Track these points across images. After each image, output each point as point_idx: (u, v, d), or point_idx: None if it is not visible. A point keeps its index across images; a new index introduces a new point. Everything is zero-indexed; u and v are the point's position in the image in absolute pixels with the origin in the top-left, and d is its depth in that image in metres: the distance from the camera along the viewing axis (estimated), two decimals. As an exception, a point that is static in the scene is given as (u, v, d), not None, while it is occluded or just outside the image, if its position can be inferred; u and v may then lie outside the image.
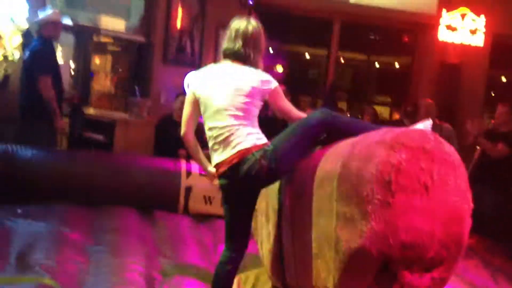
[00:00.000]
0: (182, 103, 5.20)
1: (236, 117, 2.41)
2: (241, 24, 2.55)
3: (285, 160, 2.35)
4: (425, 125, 2.34)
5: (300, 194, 2.36)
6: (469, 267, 3.90)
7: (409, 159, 1.77)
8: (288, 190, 2.52)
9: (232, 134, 2.41)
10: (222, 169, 2.45)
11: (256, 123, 2.48)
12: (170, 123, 5.06)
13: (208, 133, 2.51)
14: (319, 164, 2.22)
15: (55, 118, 4.53)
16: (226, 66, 2.53)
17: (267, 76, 2.49)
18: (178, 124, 5.30)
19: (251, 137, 2.40)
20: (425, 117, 5.30)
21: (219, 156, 2.46)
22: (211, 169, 2.56)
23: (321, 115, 2.38)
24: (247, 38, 2.51)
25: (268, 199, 2.76)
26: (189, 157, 4.87)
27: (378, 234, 1.69)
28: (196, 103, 2.56)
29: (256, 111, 2.47)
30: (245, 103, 2.42)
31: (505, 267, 4.08)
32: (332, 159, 2.13)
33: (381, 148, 1.83)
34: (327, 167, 2.12)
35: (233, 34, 2.53)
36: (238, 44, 2.50)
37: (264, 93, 2.46)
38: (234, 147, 2.39)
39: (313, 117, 2.39)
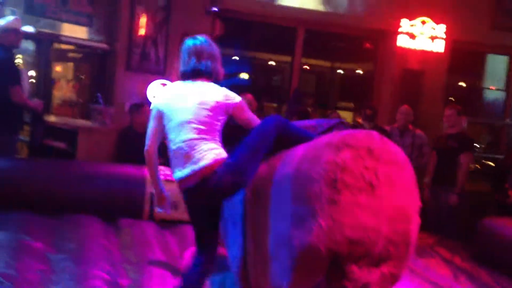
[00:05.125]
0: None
1: (198, 130, 2.46)
2: (189, 44, 2.66)
3: (248, 170, 2.42)
4: None
5: (260, 198, 2.41)
6: (430, 266, 4.00)
7: (353, 158, 1.84)
8: (250, 195, 2.57)
9: (193, 149, 2.45)
10: (185, 186, 2.49)
11: (218, 138, 2.54)
12: (131, 134, 5.10)
13: (169, 146, 2.56)
14: (277, 169, 2.28)
15: (31, 106, 4.54)
16: (191, 83, 2.59)
17: (230, 92, 2.58)
18: (139, 135, 5.29)
19: (211, 152, 2.44)
20: (404, 122, 5.47)
21: (181, 172, 2.49)
22: (164, 193, 2.70)
23: (275, 121, 2.47)
24: (198, 52, 2.61)
25: (235, 206, 2.80)
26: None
27: (325, 231, 1.76)
28: (161, 118, 2.59)
29: (218, 126, 2.53)
30: (208, 116, 2.48)
31: (465, 266, 4.17)
32: (288, 163, 2.20)
33: (328, 149, 1.91)
34: (284, 171, 2.19)
35: (186, 56, 2.63)
36: (193, 61, 2.59)
37: (228, 107, 2.53)
38: (195, 163, 2.43)
39: (267, 124, 2.47)
